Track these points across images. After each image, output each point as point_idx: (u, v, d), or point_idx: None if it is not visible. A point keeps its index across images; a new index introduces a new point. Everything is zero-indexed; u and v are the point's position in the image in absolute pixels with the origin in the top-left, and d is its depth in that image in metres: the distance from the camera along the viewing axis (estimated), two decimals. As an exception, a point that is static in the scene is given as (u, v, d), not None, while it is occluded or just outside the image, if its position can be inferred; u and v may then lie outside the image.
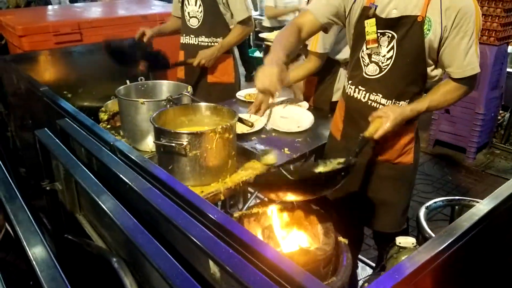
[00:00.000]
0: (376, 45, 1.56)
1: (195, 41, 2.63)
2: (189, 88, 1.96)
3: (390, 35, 1.54)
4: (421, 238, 1.72)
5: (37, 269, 0.78)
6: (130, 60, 2.45)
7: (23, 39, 2.64)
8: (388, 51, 1.56)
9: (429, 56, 1.53)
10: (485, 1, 3.61)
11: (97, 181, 1.08)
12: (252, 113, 1.53)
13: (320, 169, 1.38)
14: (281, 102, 2.45)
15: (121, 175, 1.09)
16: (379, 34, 1.55)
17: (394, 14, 1.51)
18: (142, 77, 2.11)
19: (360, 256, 2.37)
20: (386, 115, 1.47)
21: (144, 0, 4.23)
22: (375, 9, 1.53)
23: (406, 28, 1.50)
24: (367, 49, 1.60)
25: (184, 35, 2.68)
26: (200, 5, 2.54)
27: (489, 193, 1.06)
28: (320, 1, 1.68)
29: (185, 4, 2.58)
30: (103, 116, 2.31)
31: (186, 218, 0.92)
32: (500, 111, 4.21)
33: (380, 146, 1.70)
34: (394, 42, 1.54)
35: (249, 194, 2.69)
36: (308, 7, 1.72)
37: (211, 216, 0.92)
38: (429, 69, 1.58)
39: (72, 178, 1.21)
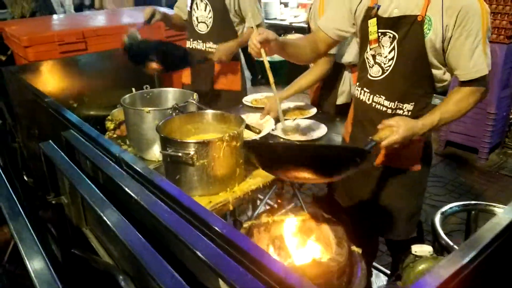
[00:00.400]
0: (377, 45, 1.55)
1: (203, 47, 2.60)
2: (195, 96, 1.93)
3: (391, 35, 1.52)
4: (437, 246, 1.66)
5: (40, 292, 0.75)
6: (145, 59, 2.34)
7: (28, 49, 2.63)
8: (390, 52, 1.54)
9: (434, 57, 1.49)
10: (494, -1, 3.55)
11: (102, 196, 1.05)
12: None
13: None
14: (288, 109, 2.41)
15: (126, 189, 1.06)
16: (380, 34, 1.54)
17: (395, 13, 1.49)
18: (147, 85, 2.09)
19: (374, 263, 2.32)
20: (397, 125, 1.41)
21: (149, 7, 4.21)
22: (378, 9, 1.52)
23: (406, 28, 1.47)
24: (370, 49, 1.59)
25: (191, 39, 2.65)
26: (210, 10, 2.50)
27: (504, 195, 1.01)
28: (327, 16, 1.72)
29: (194, 9, 2.54)
30: (110, 125, 2.30)
31: (194, 234, 0.88)
32: (512, 110, 4.13)
33: (385, 150, 1.66)
34: (395, 42, 1.51)
35: (258, 201, 2.65)
36: (318, 23, 1.74)
37: (219, 230, 0.88)
38: (440, 73, 1.54)
39: (78, 192, 1.18)
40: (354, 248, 1.46)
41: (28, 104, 2.31)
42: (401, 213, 1.75)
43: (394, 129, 1.41)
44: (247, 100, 2.53)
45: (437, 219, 1.75)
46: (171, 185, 1.07)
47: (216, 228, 0.89)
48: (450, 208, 1.85)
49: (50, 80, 2.61)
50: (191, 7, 2.55)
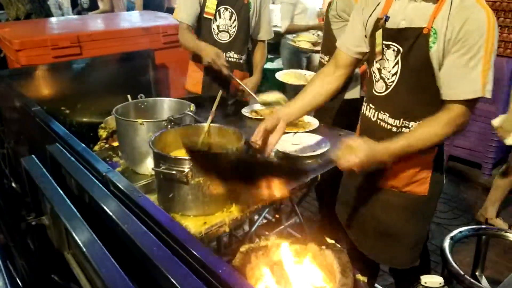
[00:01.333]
0: (381, 57, 1.46)
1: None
2: (192, 107, 1.83)
3: (395, 48, 1.42)
4: (447, 273, 1.56)
5: None
6: None
7: (20, 53, 2.53)
8: (393, 66, 1.44)
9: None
10: (501, 12, 3.48)
11: (83, 221, 0.94)
12: (257, 141, 1.44)
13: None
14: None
15: (112, 215, 0.95)
16: (384, 46, 1.45)
17: (403, 25, 1.40)
18: (142, 94, 1.98)
19: (375, 284, 2.21)
20: (359, 149, 1.29)
21: (148, 11, 4.13)
22: (385, 20, 1.43)
23: (411, 41, 1.37)
24: (376, 63, 1.51)
25: None
26: (235, 19, 2.46)
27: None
28: (345, 35, 1.65)
29: (216, 17, 2.47)
30: (102, 133, 2.20)
31: (187, 274, 0.78)
32: (516, 125, 4.04)
33: (384, 169, 1.55)
34: (399, 56, 1.41)
35: (256, 216, 2.54)
36: (336, 44, 1.68)
37: (215, 271, 0.78)
38: None
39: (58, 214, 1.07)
40: (359, 276, 1.35)
41: (17, 110, 2.21)
42: (403, 239, 1.64)
43: (355, 152, 1.29)
44: (246, 111, 2.42)
45: (446, 244, 1.65)
46: (162, 212, 0.96)
47: (212, 268, 0.79)
48: (460, 232, 1.75)
49: (42, 85, 2.50)
50: (214, 16, 2.47)
